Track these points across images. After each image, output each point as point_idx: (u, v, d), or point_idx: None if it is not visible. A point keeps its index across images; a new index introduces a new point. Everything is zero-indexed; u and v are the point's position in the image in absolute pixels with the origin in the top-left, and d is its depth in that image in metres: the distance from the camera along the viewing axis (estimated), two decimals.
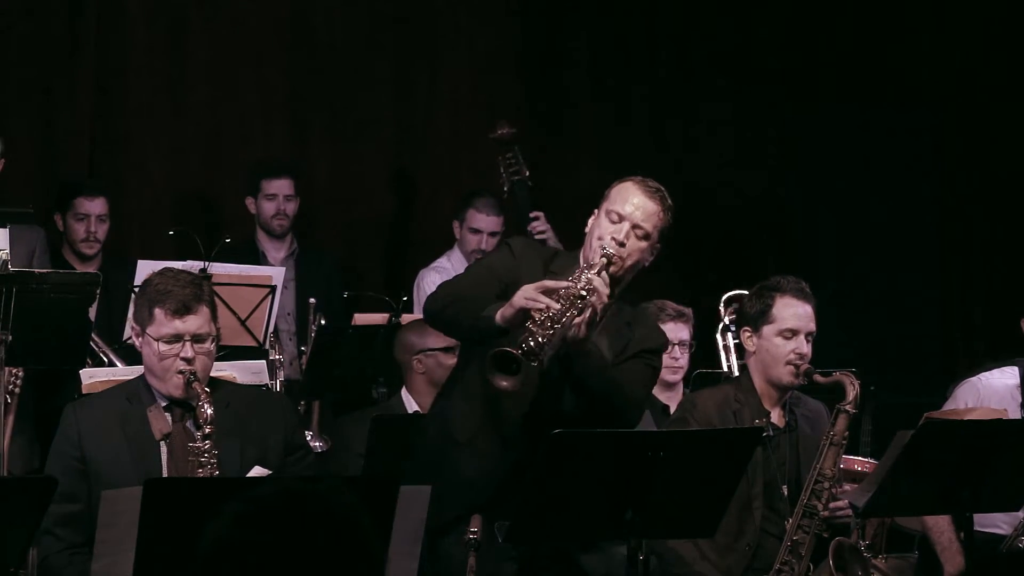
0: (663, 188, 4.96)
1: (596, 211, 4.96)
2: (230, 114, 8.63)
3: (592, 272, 4.69)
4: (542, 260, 4.96)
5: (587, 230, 4.96)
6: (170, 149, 8.53)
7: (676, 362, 6.58)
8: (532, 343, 4.52)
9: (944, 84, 9.28)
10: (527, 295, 4.60)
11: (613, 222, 4.87)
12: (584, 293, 4.63)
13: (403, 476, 4.46)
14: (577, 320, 4.65)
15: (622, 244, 4.83)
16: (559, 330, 4.59)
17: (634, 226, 4.86)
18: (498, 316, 4.66)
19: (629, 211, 4.87)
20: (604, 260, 4.77)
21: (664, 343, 5.16)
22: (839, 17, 9.26)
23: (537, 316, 4.57)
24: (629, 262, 4.88)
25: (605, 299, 4.67)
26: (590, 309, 4.64)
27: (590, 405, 4.82)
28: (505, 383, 4.56)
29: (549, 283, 4.65)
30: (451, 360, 6.51)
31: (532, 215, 7.48)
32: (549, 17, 9.16)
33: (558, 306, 4.57)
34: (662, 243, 4.95)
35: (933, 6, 9.24)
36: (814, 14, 9.25)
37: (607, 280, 4.71)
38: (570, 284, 4.66)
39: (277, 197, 7.89)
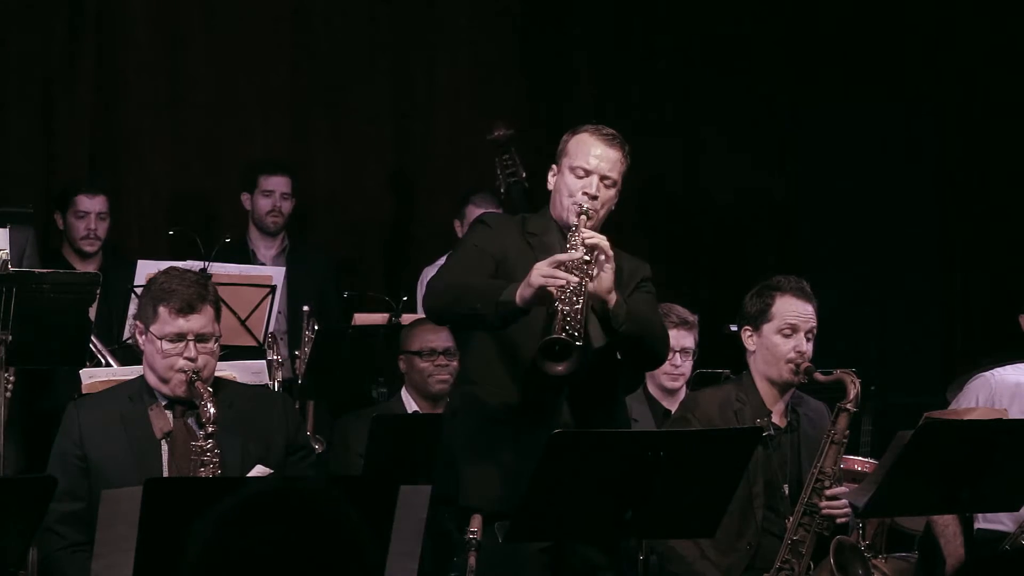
0: (616, 131, 5.03)
1: (554, 167, 5.01)
2: (230, 114, 8.63)
3: (583, 234, 4.72)
4: (516, 227, 5.02)
5: (550, 187, 5.01)
6: (170, 149, 8.54)
7: (676, 369, 6.54)
8: (570, 321, 4.56)
9: (944, 84, 9.28)
10: (544, 272, 4.59)
11: (580, 177, 4.92)
12: (588, 258, 4.67)
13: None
14: (603, 279, 4.69)
15: (594, 197, 4.88)
16: (584, 300, 4.63)
17: (602, 177, 4.92)
18: (517, 298, 4.64)
19: (595, 164, 4.93)
20: (583, 217, 4.81)
21: (649, 269, 5.17)
22: (839, 17, 9.25)
23: (557, 292, 4.58)
24: (603, 212, 4.95)
25: (610, 252, 4.70)
26: (607, 266, 4.69)
27: (628, 353, 4.90)
28: (560, 368, 4.58)
29: (561, 257, 4.65)
30: (424, 364, 6.54)
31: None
32: (548, 17, 9.16)
33: (576, 278, 4.60)
34: (623, 184, 5.02)
35: (933, 6, 9.24)
36: (814, 13, 9.25)
37: (602, 236, 4.75)
38: (572, 253, 4.69)
39: (274, 194, 7.89)
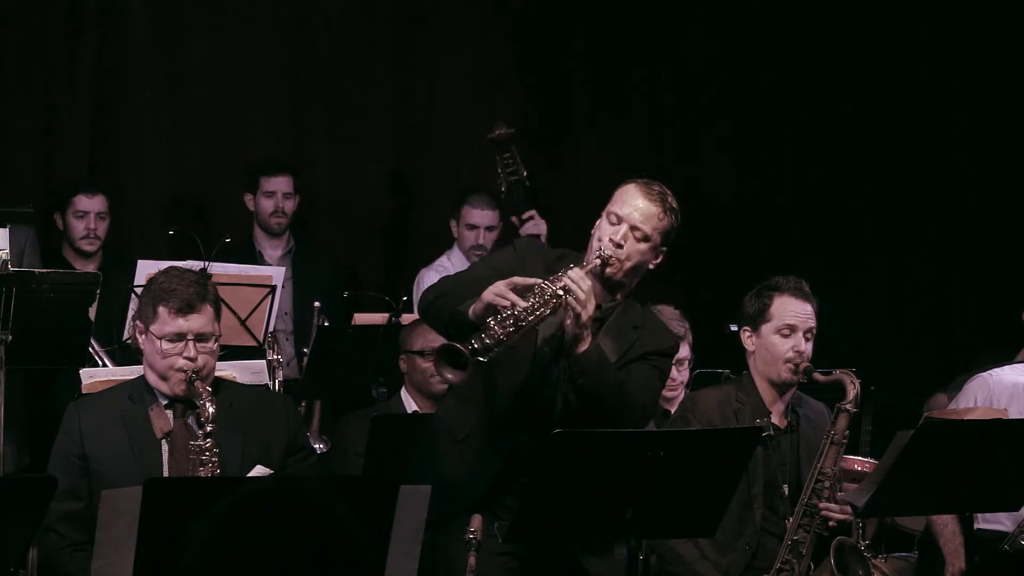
0: (667, 191, 4.94)
1: (603, 213, 4.95)
2: (230, 114, 8.63)
3: (574, 272, 4.69)
4: (544, 261, 4.94)
5: (592, 231, 4.95)
6: (170, 149, 8.53)
7: (673, 381, 6.51)
8: (486, 339, 4.53)
9: (944, 84, 9.28)
10: (495, 290, 4.62)
11: (612, 224, 4.86)
12: (561, 292, 4.63)
13: (404, 475, 4.47)
14: (568, 322, 4.66)
15: (619, 246, 4.81)
16: (522, 328, 4.59)
17: (632, 227, 4.83)
18: (470, 311, 4.68)
19: (627, 212, 4.85)
20: (598, 261, 4.77)
21: (674, 346, 5.10)
22: (839, 16, 9.25)
23: (501, 312, 4.58)
24: (628, 264, 4.84)
25: (583, 298, 4.64)
26: (573, 309, 4.64)
27: (590, 406, 4.80)
28: (451, 375, 4.57)
29: (519, 280, 4.65)
30: (425, 364, 6.54)
31: (525, 215, 7.48)
32: (548, 17, 9.16)
33: (524, 304, 4.58)
34: (667, 245, 4.91)
35: (933, 6, 9.24)
36: (814, 13, 9.25)
37: (586, 283, 4.67)
38: (545, 283, 4.66)
39: (276, 194, 7.89)
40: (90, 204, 7.48)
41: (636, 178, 4.97)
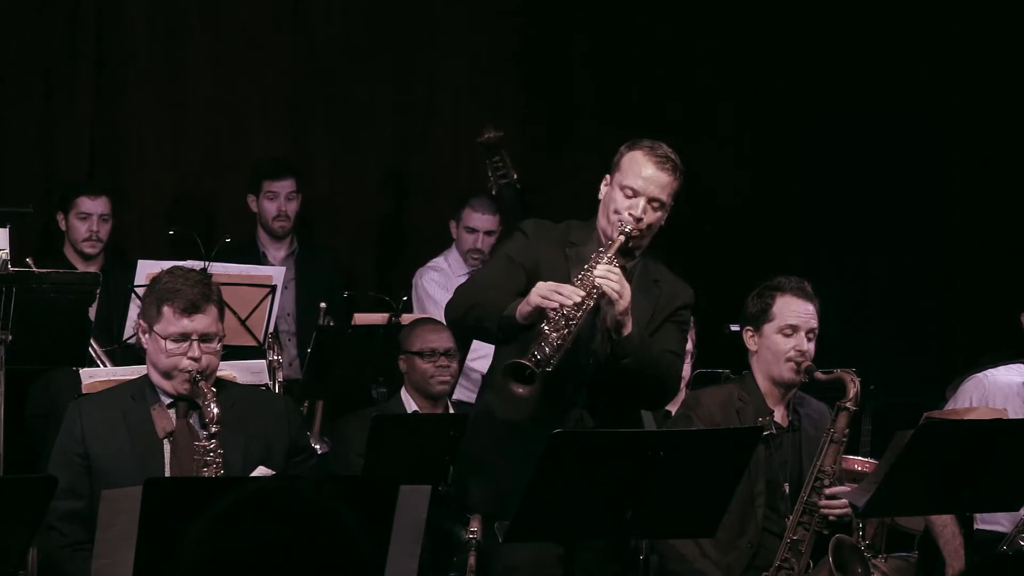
0: (671, 151, 5.02)
1: (607, 178, 5.01)
2: (230, 114, 8.63)
3: (602, 268, 4.72)
4: (557, 238, 5.01)
5: (600, 197, 5.00)
6: (170, 149, 8.53)
7: None
8: (546, 347, 4.57)
9: (944, 84, 9.28)
10: (541, 292, 4.67)
11: (628, 197, 4.92)
12: (598, 283, 4.69)
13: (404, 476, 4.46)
14: (614, 312, 4.72)
15: (639, 220, 4.88)
16: (573, 327, 4.64)
17: (650, 200, 4.92)
18: (517, 314, 4.72)
19: (642, 185, 4.92)
20: (622, 238, 4.83)
21: (692, 296, 5.17)
22: (840, 17, 9.25)
23: (552, 315, 4.62)
24: (648, 233, 4.96)
25: (618, 288, 4.70)
26: (612, 300, 4.70)
27: (628, 387, 4.88)
28: (522, 391, 4.61)
29: (565, 287, 4.68)
30: (425, 364, 6.54)
31: None
32: (548, 17, 9.15)
33: (571, 302, 4.62)
34: (674, 201, 5.02)
35: (933, 6, 9.24)
36: (814, 13, 9.25)
37: (617, 272, 4.73)
38: (581, 277, 4.72)
39: (279, 196, 7.88)
40: (93, 206, 7.47)
41: (638, 143, 5.02)
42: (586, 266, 4.77)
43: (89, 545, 4.29)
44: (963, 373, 6.05)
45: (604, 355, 4.87)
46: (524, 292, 4.78)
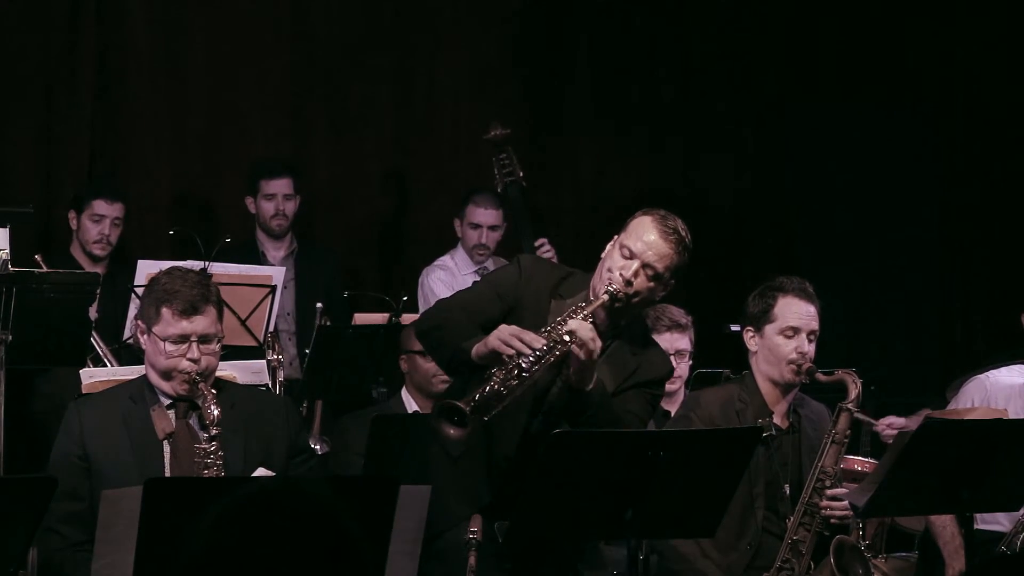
0: (681, 227, 4.88)
1: (615, 237, 4.88)
2: (230, 114, 8.63)
3: (575, 323, 4.60)
4: (550, 282, 4.88)
5: (603, 255, 4.88)
6: (170, 149, 8.54)
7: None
8: (488, 394, 4.45)
9: (944, 84, 9.28)
10: (501, 336, 4.55)
11: (625, 257, 4.80)
12: (566, 338, 4.57)
13: (404, 475, 4.45)
14: (578, 366, 4.60)
15: (630, 283, 4.76)
16: (526, 380, 4.51)
17: (645, 265, 4.78)
18: (473, 352, 4.63)
19: (640, 249, 4.79)
20: (606, 297, 4.72)
21: (668, 371, 5.06)
22: (840, 17, 9.26)
23: (507, 360, 4.51)
24: (636, 299, 4.81)
25: (589, 346, 4.58)
26: (578, 355, 4.58)
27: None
28: (452, 432, 4.48)
29: (526, 335, 4.55)
30: (428, 364, 6.53)
31: (537, 243, 7.45)
32: (548, 17, 9.16)
33: (529, 351, 4.51)
34: (675, 278, 4.88)
35: (933, 5, 9.24)
36: (813, 13, 9.25)
37: (589, 331, 4.60)
38: (550, 328, 4.60)
39: (276, 197, 7.89)
40: (108, 210, 7.47)
41: (652, 210, 4.89)
42: (559, 318, 4.66)
43: (89, 545, 4.28)
44: (963, 374, 6.05)
45: (561, 408, 4.76)
46: (492, 327, 4.65)
